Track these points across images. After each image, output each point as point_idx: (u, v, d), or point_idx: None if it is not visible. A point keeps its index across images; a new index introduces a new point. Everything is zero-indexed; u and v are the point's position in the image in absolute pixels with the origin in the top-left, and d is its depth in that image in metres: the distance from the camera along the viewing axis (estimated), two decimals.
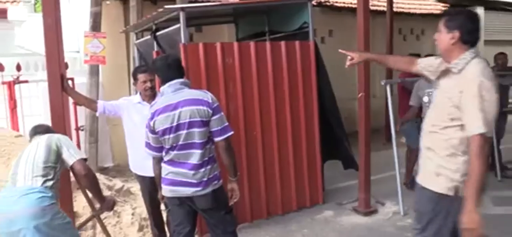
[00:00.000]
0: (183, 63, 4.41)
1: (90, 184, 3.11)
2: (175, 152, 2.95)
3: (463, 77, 2.42)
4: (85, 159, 3.05)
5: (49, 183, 2.83)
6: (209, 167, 2.99)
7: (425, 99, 4.79)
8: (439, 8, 12.43)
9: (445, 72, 2.57)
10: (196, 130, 2.90)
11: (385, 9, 9.33)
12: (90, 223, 3.84)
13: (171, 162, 2.99)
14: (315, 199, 5.29)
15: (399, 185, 5.08)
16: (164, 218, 4.02)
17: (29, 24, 9.02)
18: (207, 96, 2.98)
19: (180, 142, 2.91)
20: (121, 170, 6.87)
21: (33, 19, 8.94)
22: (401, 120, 5.51)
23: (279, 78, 4.93)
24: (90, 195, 3.40)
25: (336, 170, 5.66)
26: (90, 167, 3.13)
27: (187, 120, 2.89)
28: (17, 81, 5.95)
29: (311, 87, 5.14)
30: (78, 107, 6.65)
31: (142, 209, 4.29)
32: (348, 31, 9.07)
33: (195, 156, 2.93)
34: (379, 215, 4.99)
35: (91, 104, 4.00)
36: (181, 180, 2.95)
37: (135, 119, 3.78)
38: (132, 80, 4.15)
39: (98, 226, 3.76)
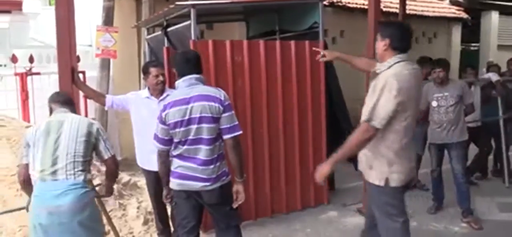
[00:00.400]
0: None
1: (113, 178, 3.24)
2: (185, 146, 2.97)
3: (380, 77, 2.78)
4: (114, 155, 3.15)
5: (88, 177, 2.91)
6: (218, 164, 3.02)
7: (434, 103, 4.76)
8: (453, 11, 12.32)
9: (374, 74, 2.92)
10: (206, 125, 2.93)
11: (397, 10, 9.26)
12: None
13: (180, 157, 3.01)
14: (320, 199, 5.30)
15: None
16: (169, 213, 4.06)
17: (43, 17, 9.12)
18: (220, 93, 3.02)
19: (190, 137, 2.94)
20: (128, 163, 6.92)
21: (48, 12, 9.04)
22: None
23: (287, 78, 4.94)
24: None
25: (342, 170, 5.62)
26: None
27: (198, 115, 2.92)
28: (29, 72, 6.04)
29: (319, 87, 5.15)
30: (88, 100, 6.72)
31: (147, 203, 4.33)
32: (359, 32, 9.00)
33: (204, 151, 2.95)
34: None
35: (99, 98, 4.05)
36: (190, 174, 2.98)
37: (143, 113, 3.82)
38: (142, 75, 4.18)
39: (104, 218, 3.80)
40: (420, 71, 3.07)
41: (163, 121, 2.99)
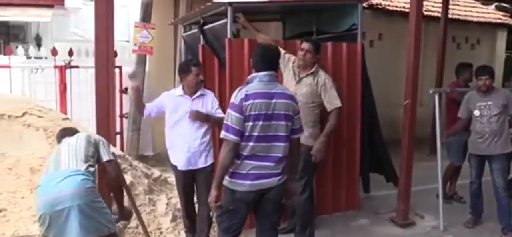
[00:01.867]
0: (227, 58, 4.45)
1: (117, 187, 3.25)
2: (259, 143, 2.86)
3: None
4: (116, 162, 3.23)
5: (91, 169, 2.95)
6: (285, 162, 3.03)
7: (476, 112, 4.56)
8: (498, 16, 11.84)
9: None
10: (285, 123, 2.93)
11: (439, 15, 8.98)
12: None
13: (253, 157, 2.87)
14: (352, 204, 5.17)
15: (441, 199, 4.88)
16: (196, 210, 4.04)
17: (84, 12, 9.34)
18: (293, 95, 3.11)
19: (269, 133, 2.89)
20: (160, 159, 6.99)
21: (89, 7, 9.25)
22: (447, 132, 5.25)
23: None
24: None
25: (374, 177, 5.51)
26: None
27: (280, 112, 2.91)
28: (68, 66, 6.17)
29: (355, 90, 5.03)
30: (123, 96, 6.83)
31: (177, 200, 4.34)
32: (398, 36, 8.80)
33: (279, 148, 2.93)
34: (417, 228, 4.81)
35: (141, 108, 3.98)
36: (266, 172, 2.91)
37: (176, 111, 3.84)
38: (177, 72, 4.18)
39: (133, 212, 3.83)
40: None
41: (241, 111, 2.84)
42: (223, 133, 2.87)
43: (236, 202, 2.94)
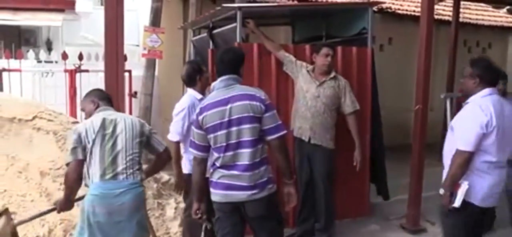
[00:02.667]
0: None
1: (163, 165, 3.31)
2: (226, 153, 2.78)
3: None
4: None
5: (143, 176, 2.97)
6: (263, 168, 2.83)
7: None
8: (510, 20, 11.71)
9: None
10: (247, 126, 2.75)
11: (450, 18, 8.90)
12: None
13: (222, 166, 2.82)
14: (362, 210, 5.12)
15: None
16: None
17: (94, 16, 9.42)
18: (260, 92, 2.86)
19: (231, 141, 2.76)
20: (169, 163, 6.97)
21: (99, 12, 9.34)
22: None
23: None
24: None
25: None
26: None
27: (239, 116, 2.75)
28: (78, 69, 6.19)
29: (365, 94, 4.98)
30: (132, 99, 6.84)
31: None
32: (408, 39, 8.72)
33: (247, 155, 2.76)
34: (428, 235, 4.75)
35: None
36: (235, 183, 2.79)
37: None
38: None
39: None
40: None
41: (199, 126, 2.84)
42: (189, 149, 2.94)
43: (218, 211, 2.95)
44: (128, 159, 2.83)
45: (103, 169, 2.77)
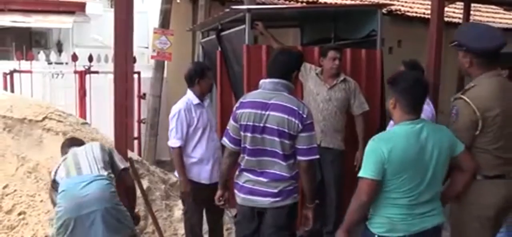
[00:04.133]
0: (245, 63, 4.43)
1: (132, 194, 3.26)
2: (252, 157, 2.74)
3: None
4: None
5: (112, 176, 2.98)
6: (291, 181, 2.77)
7: None
8: None
9: None
10: (279, 140, 2.66)
11: (460, 20, 8.82)
12: (142, 214, 3.91)
13: (248, 169, 2.79)
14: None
15: None
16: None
17: (105, 18, 9.49)
18: (304, 109, 2.69)
19: (260, 147, 2.70)
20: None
21: (109, 14, 9.40)
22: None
23: None
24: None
25: None
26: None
27: (273, 127, 2.65)
28: (88, 71, 6.24)
29: (375, 97, 4.94)
30: (141, 101, 6.88)
31: None
32: (418, 42, 8.63)
33: (275, 166, 2.71)
34: None
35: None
36: (260, 189, 2.74)
37: (200, 121, 3.65)
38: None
39: (149, 217, 3.84)
40: None
41: (236, 119, 2.79)
42: (223, 138, 2.90)
43: (239, 214, 2.93)
44: (90, 159, 2.99)
45: (68, 172, 2.95)
